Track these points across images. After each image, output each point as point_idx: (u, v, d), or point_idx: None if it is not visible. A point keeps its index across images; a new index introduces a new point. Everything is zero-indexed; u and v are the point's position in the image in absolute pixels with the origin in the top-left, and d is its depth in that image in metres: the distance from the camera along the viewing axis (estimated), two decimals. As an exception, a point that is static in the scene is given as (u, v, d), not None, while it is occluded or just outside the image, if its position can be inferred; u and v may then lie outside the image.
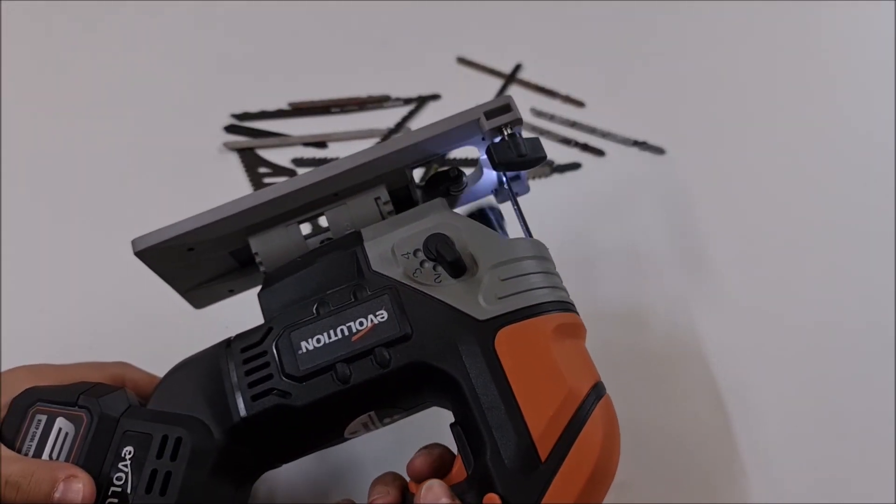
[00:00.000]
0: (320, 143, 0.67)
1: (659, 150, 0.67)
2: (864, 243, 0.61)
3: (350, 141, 0.67)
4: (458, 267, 0.38)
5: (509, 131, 0.40)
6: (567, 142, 0.67)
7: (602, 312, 0.57)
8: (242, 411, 0.36)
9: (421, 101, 0.70)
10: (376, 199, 0.42)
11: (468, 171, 0.46)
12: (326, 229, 0.43)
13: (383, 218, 0.42)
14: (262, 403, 0.36)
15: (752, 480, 0.50)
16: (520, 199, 0.46)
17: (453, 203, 0.45)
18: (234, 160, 0.66)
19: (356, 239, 0.40)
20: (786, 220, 0.62)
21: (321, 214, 0.42)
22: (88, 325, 0.56)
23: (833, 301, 0.58)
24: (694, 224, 0.62)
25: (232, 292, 0.47)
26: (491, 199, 0.47)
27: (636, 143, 0.67)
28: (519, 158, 0.40)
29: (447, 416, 0.39)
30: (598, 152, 0.67)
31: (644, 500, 0.49)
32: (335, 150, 0.67)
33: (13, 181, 0.64)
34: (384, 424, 0.41)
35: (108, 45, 0.73)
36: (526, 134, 0.41)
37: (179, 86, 0.71)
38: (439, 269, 0.38)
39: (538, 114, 0.69)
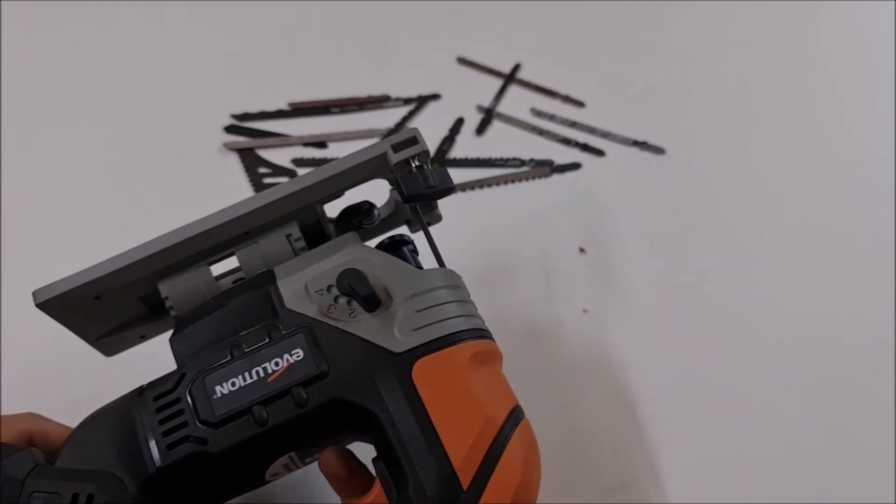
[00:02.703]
0: (320, 144, 0.67)
1: (659, 150, 0.67)
2: (864, 243, 0.61)
3: (350, 141, 0.67)
4: (371, 301, 0.37)
5: (416, 163, 0.40)
6: (567, 142, 0.67)
7: (601, 313, 0.57)
8: (157, 461, 0.35)
9: (421, 101, 0.70)
10: (287, 236, 0.41)
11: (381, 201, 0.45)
12: (238, 268, 0.42)
13: (296, 255, 0.41)
14: (178, 452, 0.35)
15: (748, 481, 0.50)
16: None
17: (366, 236, 0.45)
18: (234, 160, 0.66)
19: (269, 278, 0.40)
20: (786, 221, 0.62)
21: (232, 255, 0.42)
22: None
23: (831, 305, 0.58)
24: (693, 224, 0.62)
25: (143, 338, 0.46)
26: (404, 229, 0.46)
27: (636, 143, 0.67)
28: (427, 190, 0.39)
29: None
30: (598, 152, 0.67)
31: (644, 501, 0.49)
32: (335, 151, 0.67)
33: (13, 182, 0.64)
34: (305, 464, 0.40)
35: (109, 45, 0.73)
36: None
37: (179, 86, 0.71)
38: (354, 304, 0.38)
39: (538, 114, 0.69)
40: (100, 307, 0.41)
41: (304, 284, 0.39)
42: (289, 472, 0.40)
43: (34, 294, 0.39)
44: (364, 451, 0.39)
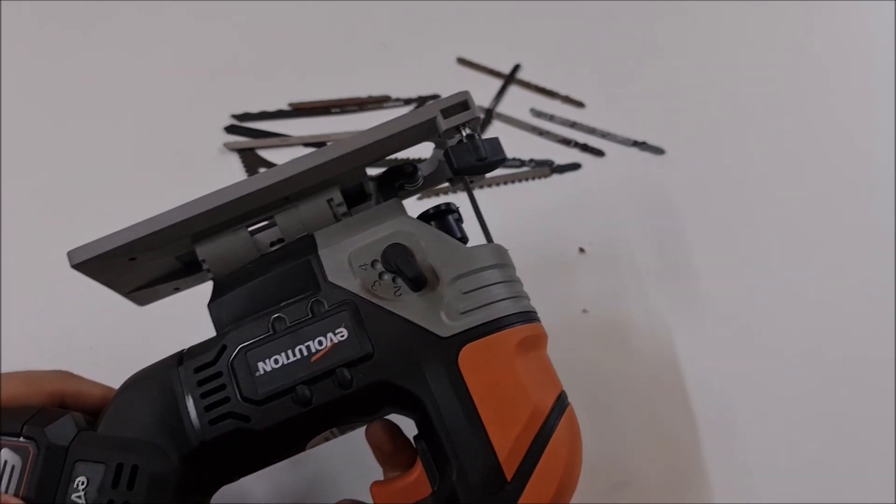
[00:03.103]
0: (321, 144, 0.67)
1: (659, 150, 0.67)
2: (864, 243, 0.61)
3: (350, 141, 0.67)
4: (419, 282, 0.36)
5: (467, 131, 0.38)
6: (567, 142, 0.68)
7: (603, 313, 0.57)
8: (200, 436, 0.35)
9: (421, 102, 0.70)
10: (329, 200, 0.40)
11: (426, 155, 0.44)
12: (274, 223, 0.41)
13: (337, 220, 0.40)
14: (220, 428, 0.35)
15: (749, 481, 0.50)
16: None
17: (407, 195, 0.44)
18: (235, 160, 0.66)
19: (310, 245, 0.39)
20: (785, 221, 0.62)
21: (271, 218, 0.41)
22: (88, 325, 0.56)
23: (831, 305, 0.58)
24: (693, 224, 0.62)
25: (177, 290, 0.45)
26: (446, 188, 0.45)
27: (636, 144, 0.67)
28: (479, 163, 0.38)
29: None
30: (598, 153, 0.67)
31: (643, 501, 0.49)
32: (335, 151, 0.67)
33: (13, 181, 0.64)
34: (343, 433, 0.40)
35: (109, 44, 0.73)
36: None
37: (180, 86, 0.71)
38: (399, 281, 0.37)
39: (538, 114, 0.69)
40: (135, 266, 0.40)
41: (346, 257, 0.38)
42: (326, 441, 0.40)
43: (69, 255, 0.38)
44: (408, 425, 0.39)
